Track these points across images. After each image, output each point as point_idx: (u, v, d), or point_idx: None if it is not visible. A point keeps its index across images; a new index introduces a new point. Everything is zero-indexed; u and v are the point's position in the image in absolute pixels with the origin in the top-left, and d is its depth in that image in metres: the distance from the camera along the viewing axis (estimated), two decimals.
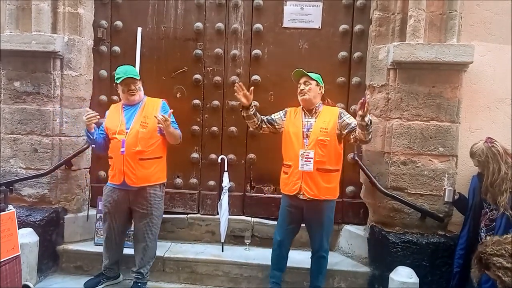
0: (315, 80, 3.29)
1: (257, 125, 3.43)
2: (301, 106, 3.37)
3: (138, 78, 3.42)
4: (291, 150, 3.28)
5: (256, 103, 3.89)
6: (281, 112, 3.48)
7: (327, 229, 3.32)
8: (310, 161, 3.17)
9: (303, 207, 3.29)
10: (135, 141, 3.28)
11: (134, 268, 3.52)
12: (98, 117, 3.30)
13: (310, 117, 3.31)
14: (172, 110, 3.34)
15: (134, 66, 4.00)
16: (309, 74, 3.29)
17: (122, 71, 3.35)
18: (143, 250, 3.45)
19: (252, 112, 3.36)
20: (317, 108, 3.32)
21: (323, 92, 3.38)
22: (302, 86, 3.28)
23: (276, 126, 3.44)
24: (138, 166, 3.29)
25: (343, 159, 3.40)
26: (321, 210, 3.26)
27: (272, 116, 3.48)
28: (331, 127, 3.22)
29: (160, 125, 3.24)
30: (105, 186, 3.49)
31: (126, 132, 3.30)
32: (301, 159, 3.20)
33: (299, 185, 3.23)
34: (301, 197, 3.23)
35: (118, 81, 3.31)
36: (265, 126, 3.44)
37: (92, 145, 3.55)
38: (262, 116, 3.44)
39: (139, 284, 3.47)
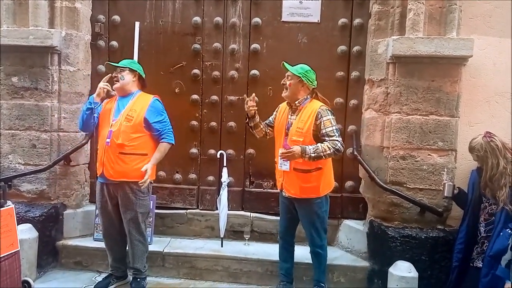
0: (298, 75, 3.15)
1: (264, 132, 3.43)
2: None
3: (124, 66, 3.38)
4: (276, 147, 3.30)
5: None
6: (274, 112, 3.48)
7: (316, 226, 3.27)
8: (287, 161, 3.13)
9: (290, 201, 3.30)
10: (117, 133, 3.24)
11: (130, 265, 3.52)
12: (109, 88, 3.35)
13: (292, 114, 3.24)
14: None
15: None
16: (291, 69, 3.18)
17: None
18: (132, 246, 3.43)
19: (258, 120, 3.36)
20: (298, 104, 3.19)
21: (310, 87, 3.21)
22: (284, 80, 3.22)
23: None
24: (118, 160, 3.24)
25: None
26: (307, 207, 3.24)
27: (269, 118, 3.48)
28: (307, 127, 3.10)
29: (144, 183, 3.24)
30: (97, 182, 3.48)
31: (112, 123, 3.28)
32: (280, 158, 3.15)
33: (281, 183, 3.27)
34: (284, 194, 3.27)
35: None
36: (268, 130, 3.44)
37: (83, 121, 3.38)
38: (265, 122, 3.49)
39: (138, 279, 3.47)
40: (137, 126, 3.27)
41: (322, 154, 2.97)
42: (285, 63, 3.20)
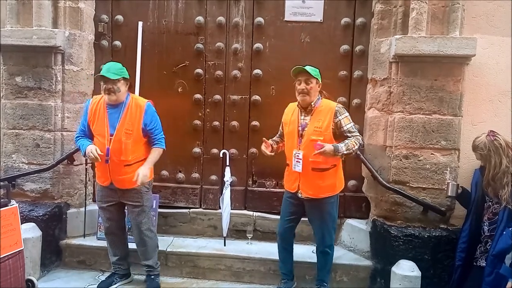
0: (315, 77, 3.16)
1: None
2: (298, 103, 3.29)
3: (117, 78, 3.16)
4: (288, 149, 3.28)
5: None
6: (282, 117, 3.45)
7: (328, 226, 3.29)
8: (299, 161, 3.13)
9: (303, 203, 3.29)
10: (119, 149, 3.21)
11: (142, 262, 3.54)
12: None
13: (305, 115, 3.23)
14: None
15: (135, 61, 3.99)
16: (312, 72, 3.14)
17: (105, 68, 3.20)
18: (143, 243, 3.46)
19: (276, 145, 3.42)
20: (313, 105, 3.20)
21: (320, 86, 3.26)
22: (303, 85, 3.15)
23: None
24: (124, 172, 3.26)
25: None
26: (321, 207, 3.25)
27: (280, 127, 3.49)
28: (326, 126, 3.13)
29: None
30: (96, 182, 3.51)
31: (111, 139, 3.23)
32: (294, 159, 3.17)
33: (297, 184, 3.23)
34: (300, 195, 3.24)
35: (98, 77, 3.23)
36: (283, 142, 3.42)
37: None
38: (277, 138, 3.48)
39: (152, 276, 3.51)
40: (137, 137, 3.27)
41: (351, 150, 3.06)
42: (306, 67, 3.15)
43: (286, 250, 3.48)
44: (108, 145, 3.23)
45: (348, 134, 3.14)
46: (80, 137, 3.36)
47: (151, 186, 3.54)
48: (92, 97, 3.58)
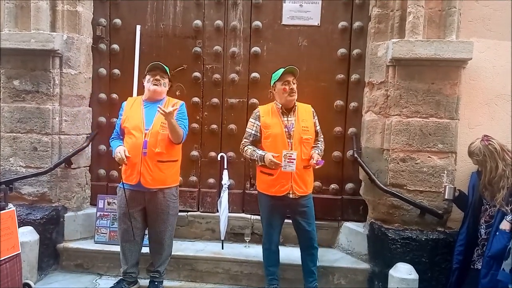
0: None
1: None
2: (279, 105, 3.30)
3: (168, 73, 3.40)
4: (276, 151, 3.17)
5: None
6: (254, 121, 3.37)
7: (313, 220, 3.38)
8: (293, 162, 3.09)
9: (288, 203, 3.29)
10: (155, 142, 3.20)
11: (151, 267, 3.50)
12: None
13: (288, 115, 3.27)
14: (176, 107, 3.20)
15: (133, 64, 4.01)
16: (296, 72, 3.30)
17: (155, 63, 3.38)
18: (160, 250, 3.43)
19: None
20: (295, 105, 3.31)
21: None
22: (292, 85, 3.23)
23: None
24: (156, 169, 3.23)
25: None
26: (306, 203, 3.31)
27: (251, 132, 3.36)
28: (310, 125, 3.31)
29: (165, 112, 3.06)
30: (118, 188, 3.39)
31: (146, 133, 3.22)
32: (284, 160, 3.11)
33: (289, 185, 3.21)
34: (291, 196, 3.23)
35: (150, 67, 3.35)
36: (260, 144, 3.36)
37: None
38: (246, 143, 3.38)
39: (156, 283, 3.47)
40: None
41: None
42: (293, 67, 3.26)
43: (276, 253, 3.47)
44: (145, 138, 3.22)
45: (320, 135, 3.45)
46: (114, 139, 3.42)
47: (178, 194, 3.50)
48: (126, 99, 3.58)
